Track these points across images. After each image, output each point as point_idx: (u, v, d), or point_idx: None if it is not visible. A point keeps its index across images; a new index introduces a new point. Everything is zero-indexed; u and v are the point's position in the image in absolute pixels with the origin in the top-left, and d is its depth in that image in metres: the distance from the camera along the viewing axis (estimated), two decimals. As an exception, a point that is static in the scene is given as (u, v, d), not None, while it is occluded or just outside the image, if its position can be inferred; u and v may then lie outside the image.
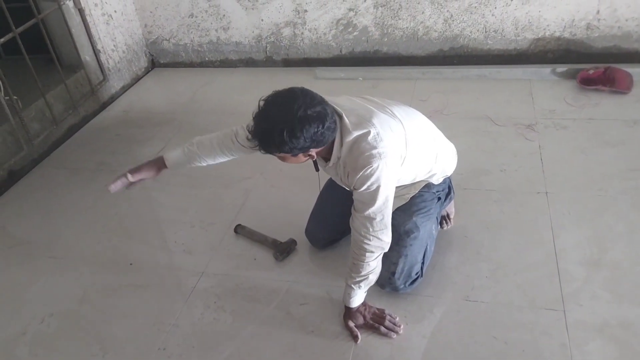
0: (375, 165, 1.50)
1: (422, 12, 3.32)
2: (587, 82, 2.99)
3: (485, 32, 3.31)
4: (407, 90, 3.21)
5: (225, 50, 3.84)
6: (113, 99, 3.58)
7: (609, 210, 2.15)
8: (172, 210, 2.46)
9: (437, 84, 3.26)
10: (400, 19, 3.37)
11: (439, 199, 1.91)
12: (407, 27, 3.40)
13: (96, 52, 3.37)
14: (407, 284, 1.84)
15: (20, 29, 2.75)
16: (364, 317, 1.77)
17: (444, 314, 1.81)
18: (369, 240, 1.60)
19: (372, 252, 1.62)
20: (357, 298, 1.73)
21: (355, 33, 3.50)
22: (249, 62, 3.85)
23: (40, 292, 2.10)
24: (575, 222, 2.11)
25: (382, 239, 1.62)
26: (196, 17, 3.72)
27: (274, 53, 3.75)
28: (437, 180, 1.88)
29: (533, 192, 2.30)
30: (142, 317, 1.94)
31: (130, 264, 2.19)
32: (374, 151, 1.51)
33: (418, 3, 3.28)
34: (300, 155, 1.51)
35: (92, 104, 3.39)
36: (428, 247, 1.87)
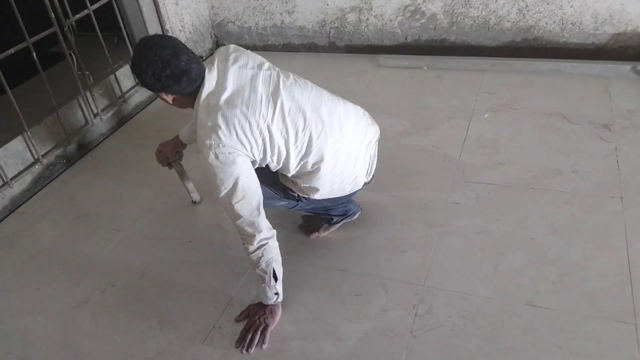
0: (207, 154, 1.55)
1: (496, 1, 3.18)
2: (673, 82, 2.78)
3: (562, 24, 3.13)
4: (474, 82, 3.09)
5: (289, 34, 3.82)
6: (178, 78, 3.64)
7: (692, 220, 2.00)
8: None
9: (507, 76, 3.12)
10: (471, 7, 3.24)
11: (298, 202, 1.92)
12: (478, 16, 3.26)
13: (164, 32, 3.43)
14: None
15: (95, 6, 2.84)
16: (254, 318, 1.79)
17: (506, 318, 1.74)
18: (241, 236, 1.68)
19: (245, 241, 1.67)
20: (262, 295, 1.77)
21: (422, 20, 3.40)
22: (311, 47, 3.82)
23: (104, 263, 2.17)
24: (653, 231, 1.98)
25: (246, 236, 1.65)
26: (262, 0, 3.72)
27: (337, 39, 3.70)
28: (300, 191, 1.87)
29: (607, 196, 2.16)
30: (199, 294, 1.97)
31: (189, 241, 2.23)
32: (207, 142, 1.54)
33: (491, -9, 3.15)
34: (163, 95, 1.62)
35: (158, 82, 3.46)
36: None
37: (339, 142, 1.75)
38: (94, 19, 2.84)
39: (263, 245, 1.65)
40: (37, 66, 2.54)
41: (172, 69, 1.53)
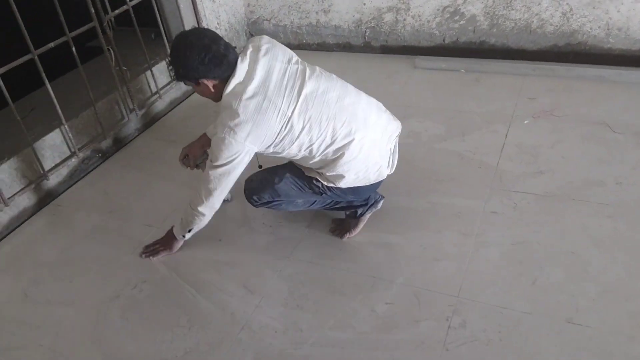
0: (222, 136, 1.72)
1: (539, 4, 3.08)
2: None
3: (608, 29, 3.02)
4: (514, 87, 3.01)
5: (324, 33, 3.79)
6: (212, 75, 3.65)
7: None
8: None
9: (548, 81, 3.02)
10: (513, 9, 3.15)
11: (321, 194, 1.97)
12: (519, 19, 3.17)
13: (200, 29, 3.44)
14: (252, 199, 2.03)
15: (134, 1, 2.86)
16: (162, 240, 2.18)
17: (543, 335, 1.67)
18: (199, 189, 1.89)
19: (196, 200, 1.92)
20: (177, 228, 2.08)
21: (461, 22, 3.32)
22: (345, 47, 3.78)
23: (135, 258, 2.18)
24: None
25: (201, 197, 1.89)
26: (298, -2, 3.70)
27: (373, 39, 3.65)
28: (325, 181, 1.92)
29: (653, 211, 2.07)
30: (228, 294, 1.96)
31: (220, 240, 2.22)
32: (227, 123, 1.71)
33: (535, -7, 3.06)
34: (204, 81, 1.74)
35: (193, 79, 3.47)
36: (283, 200, 2.00)
37: (363, 130, 1.83)
38: (132, 15, 2.86)
39: (205, 214, 1.96)
40: (75, 60, 2.57)
41: (214, 53, 1.68)
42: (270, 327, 1.82)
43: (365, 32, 3.64)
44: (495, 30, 3.27)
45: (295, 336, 1.78)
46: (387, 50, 3.64)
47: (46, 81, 2.43)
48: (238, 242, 2.20)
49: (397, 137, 2.02)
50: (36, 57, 2.35)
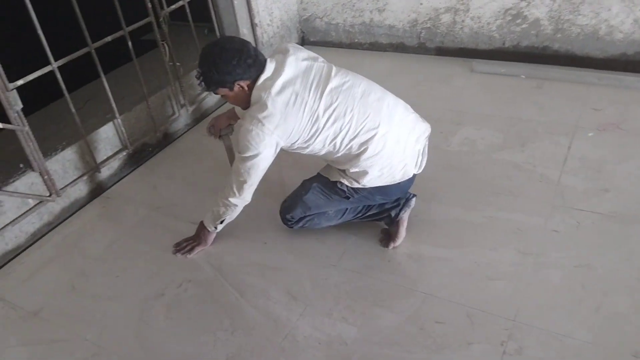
0: (251, 128, 1.77)
1: (609, 9, 2.90)
2: None
3: (685, 37, 2.81)
4: (578, 96, 2.84)
5: (377, 32, 3.70)
6: (262, 72, 3.62)
7: None
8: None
9: (615, 92, 2.84)
10: (580, 14, 2.98)
11: (348, 197, 1.99)
12: (586, 24, 3.00)
13: (253, 26, 3.42)
14: (285, 219, 2.11)
15: (190, -3, 2.86)
16: (194, 236, 2.20)
17: (607, 369, 1.56)
18: (230, 181, 1.93)
19: (227, 192, 1.96)
20: (208, 219, 2.10)
21: (524, 25, 3.17)
22: (399, 47, 3.68)
23: (180, 256, 2.17)
24: None
25: (232, 189, 1.93)
26: (353, -4, 3.62)
27: (428, 40, 3.54)
28: (349, 181, 1.94)
29: None
30: (272, 300, 1.92)
31: (265, 243, 2.19)
32: (256, 115, 1.77)
33: (606, -2, 2.88)
34: (240, 83, 1.79)
35: (243, 75, 3.45)
36: (314, 213, 2.06)
37: (387, 126, 1.85)
38: (188, 10, 2.85)
39: (237, 205, 1.99)
40: (130, 54, 2.58)
41: (247, 53, 1.77)
42: (313, 338, 1.77)
43: (421, 32, 3.53)
44: (559, 35, 3.10)
45: (339, 350, 1.72)
46: (443, 52, 3.53)
47: (102, 75, 2.45)
48: (283, 246, 2.16)
49: (427, 139, 2.01)
50: (93, 50, 2.37)
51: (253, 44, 3.46)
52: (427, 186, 2.35)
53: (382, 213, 2.06)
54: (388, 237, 2.09)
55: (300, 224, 2.10)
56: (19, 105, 2.12)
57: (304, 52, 1.91)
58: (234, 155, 2.33)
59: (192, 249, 2.16)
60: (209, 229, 2.12)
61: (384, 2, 3.54)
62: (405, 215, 2.05)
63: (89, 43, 2.34)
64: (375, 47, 3.77)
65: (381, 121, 1.85)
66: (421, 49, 3.60)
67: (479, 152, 2.54)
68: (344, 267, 2.01)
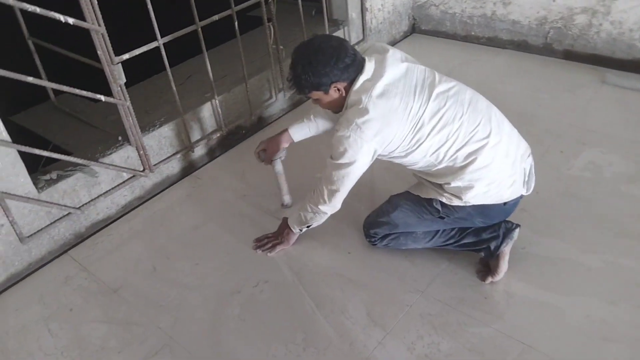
0: (348, 134, 1.62)
1: None
2: None
3: None
4: None
5: (498, 27, 3.37)
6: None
7: None
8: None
9: None
10: None
11: (443, 218, 1.80)
12: None
13: (363, 10, 3.23)
14: (369, 235, 1.97)
15: (302, -22, 2.72)
16: (277, 233, 2.10)
17: None
18: (320, 188, 1.81)
19: (317, 198, 1.83)
20: (295, 220, 1.98)
21: (677, 36, 2.72)
22: (520, 46, 3.33)
23: (261, 254, 2.08)
24: None
25: (323, 196, 1.80)
26: (476, -15, 3.31)
27: (556, 41, 3.16)
28: (448, 198, 1.74)
29: None
30: (350, 320, 1.78)
31: (349, 253, 2.05)
32: (353, 120, 1.62)
33: None
34: (337, 85, 1.65)
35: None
36: (400, 232, 1.90)
37: (498, 136, 1.68)
38: (298, -11, 2.72)
39: (327, 213, 1.88)
40: (235, 33, 2.49)
41: (346, 53, 1.62)
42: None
43: (549, 32, 3.16)
44: None
45: (418, 391, 1.56)
46: (571, 56, 3.14)
47: (206, 55, 2.40)
48: (368, 260, 2.01)
49: (531, 158, 1.80)
50: (199, 28, 2.31)
51: (360, 29, 3.30)
52: (539, 213, 2.09)
53: (479, 243, 1.83)
54: (487, 269, 1.87)
55: (384, 242, 1.94)
56: (123, 80, 2.12)
57: (402, 54, 1.74)
58: (285, 182, 2.22)
59: (273, 247, 2.07)
60: (294, 230, 2.02)
61: (511, -5, 3.20)
62: (506, 249, 1.82)
63: (196, 21, 2.28)
64: (493, 42, 3.44)
65: (492, 131, 1.67)
66: (546, 51, 3.22)
67: (604, 180, 2.21)
68: (433, 296, 1.83)
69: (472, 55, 3.37)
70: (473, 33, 3.51)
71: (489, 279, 1.83)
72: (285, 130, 2.07)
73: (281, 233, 2.08)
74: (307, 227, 1.97)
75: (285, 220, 2.07)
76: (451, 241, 1.87)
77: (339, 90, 1.68)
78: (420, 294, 1.84)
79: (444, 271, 1.91)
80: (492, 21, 3.37)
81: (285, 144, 2.08)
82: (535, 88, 2.90)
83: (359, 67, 1.65)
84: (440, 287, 1.85)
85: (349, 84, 1.66)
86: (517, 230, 1.83)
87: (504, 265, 1.82)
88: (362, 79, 1.64)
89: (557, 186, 2.21)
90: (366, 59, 1.67)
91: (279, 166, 2.16)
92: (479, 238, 1.82)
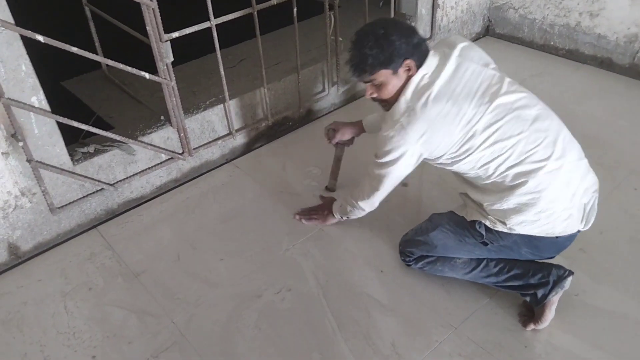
0: (392, 135, 1.54)
1: None
2: None
3: None
4: None
5: (581, 39, 3.07)
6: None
7: None
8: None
9: None
10: None
11: (486, 244, 1.63)
12: None
13: (434, 7, 3.01)
14: (404, 253, 1.84)
15: (372, -33, 2.54)
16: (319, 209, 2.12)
17: None
18: (362, 184, 1.79)
19: (358, 193, 1.82)
20: (337, 208, 2.00)
21: None
22: (603, 63, 3.02)
23: (288, 257, 1.98)
24: None
25: (364, 192, 1.79)
26: (562, -9, 3.02)
27: (645, 62, 2.84)
28: (492, 222, 1.58)
29: None
30: (372, 347, 1.64)
31: (381, 272, 1.90)
32: (398, 119, 1.53)
33: None
34: (408, 62, 1.51)
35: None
36: (439, 256, 1.75)
37: (559, 161, 1.50)
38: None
39: (365, 209, 1.86)
40: (293, 21, 2.36)
41: (415, 34, 1.54)
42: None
43: (638, 51, 2.84)
44: None
45: None
46: (661, 81, 2.82)
47: (259, 41, 2.28)
48: (401, 282, 1.85)
49: (596, 193, 1.60)
50: (255, 12, 2.19)
51: (429, 26, 3.09)
52: (600, 257, 1.87)
53: (525, 288, 1.64)
54: (531, 314, 1.67)
55: (420, 265, 1.79)
56: (170, 58, 2.04)
57: (476, 53, 1.60)
58: (339, 169, 2.20)
59: (310, 220, 2.11)
60: (335, 215, 2.04)
61: (600, 6, 2.89)
62: (555, 298, 1.62)
63: (253, 4, 2.16)
64: (573, 55, 3.15)
65: (553, 154, 1.50)
66: (632, 72, 2.91)
67: (681, 231, 1.95)
68: (466, 334, 1.66)
69: (548, 67, 3.09)
70: (552, 43, 3.22)
71: (532, 326, 1.65)
72: (360, 121, 2.08)
73: (323, 211, 2.10)
74: (347, 217, 1.99)
75: (330, 201, 2.09)
76: (492, 279, 1.69)
77: (409, 70, 1.54)
78: (453, 331, 1.67)
79: (483, 308, 1.73)
80: (575, 32, 3.07)
81: (356, 134, 2.10)
82: (615, 112, 2.62)
83: (423, 56, 1.54)
84: (477, 326, 1.68)
85: (416, 67, 1.54)
86: (570, 278, 1.62)
87: (550, 314, 1.63)
88: (421, 72, 1.54)
89: (624, 229, 1.97)
90: (431, 52, 1.57)
91: (340, 151, 2.17)
92: (526, 282, 1.63)
